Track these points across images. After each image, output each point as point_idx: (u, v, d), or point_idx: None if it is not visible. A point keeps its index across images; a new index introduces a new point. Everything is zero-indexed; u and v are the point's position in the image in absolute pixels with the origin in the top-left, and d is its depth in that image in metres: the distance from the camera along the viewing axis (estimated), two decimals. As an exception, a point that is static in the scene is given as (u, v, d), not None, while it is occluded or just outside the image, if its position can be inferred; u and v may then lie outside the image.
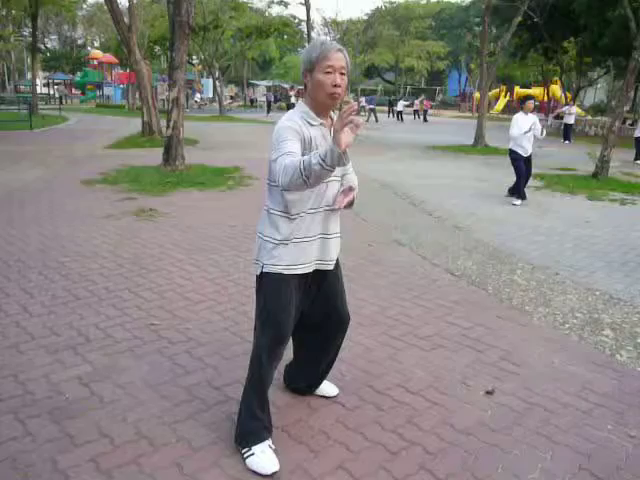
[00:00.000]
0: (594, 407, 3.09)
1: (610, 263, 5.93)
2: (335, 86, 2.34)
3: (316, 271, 2.61)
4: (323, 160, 2.02)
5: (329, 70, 2.33)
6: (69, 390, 3.05)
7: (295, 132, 2.33)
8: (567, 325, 4.24)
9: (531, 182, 10.51)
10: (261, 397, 2.60)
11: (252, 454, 2.52)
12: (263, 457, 2.50)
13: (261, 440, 2.56)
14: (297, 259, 2.49)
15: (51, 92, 43.63)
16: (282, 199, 2.43)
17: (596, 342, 3.97)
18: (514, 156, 9.08)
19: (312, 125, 2.41)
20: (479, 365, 3.53)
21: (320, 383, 3.06)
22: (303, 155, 2.28)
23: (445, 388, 3.22)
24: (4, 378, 3.14)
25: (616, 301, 4.81)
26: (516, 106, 50.52)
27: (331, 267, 2.66)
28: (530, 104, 8.91)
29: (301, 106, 2.46)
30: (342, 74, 2.36)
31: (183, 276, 4.94)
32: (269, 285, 2.51)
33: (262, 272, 2.52)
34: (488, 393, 3.20)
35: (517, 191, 9.26)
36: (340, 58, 2.35)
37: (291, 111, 2.47)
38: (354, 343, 3.73)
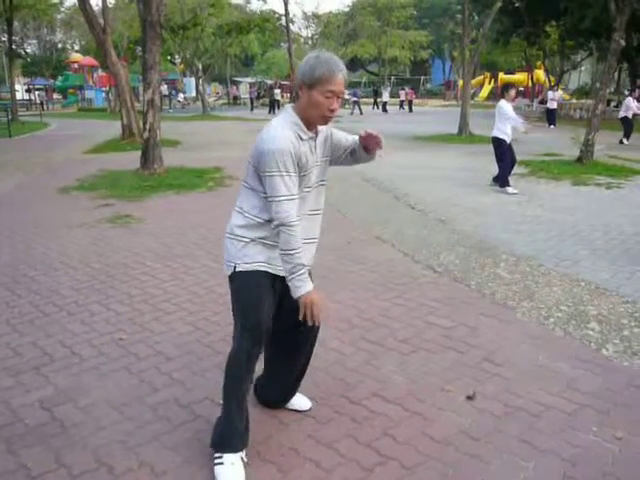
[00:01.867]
0: (579, 408, 2.97)
1: (595, 251, 5.81)
2: (331, 111, 2.28)
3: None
4: (291, 274, 2.28)
5: (329, 95, 2.26)
6: (29, 415, 2.89)
7: (293, 157, 2.26)
8: (552, 319, 4.12)
9: (516, 169, 10.42)
10: (240, 403, 2.50)
11: (221, 463, 2.43)
12: (232, 470, 2.41)
13: (233, 450, 2.46)
14: (269, 258, 2.40)
15: (32, 98, 43.15)
16: (259, 203, 2.35)
17: (581, 336, 3.85)
18: (500, 143, 9.03)
19: (302, 139, 2.33)
20: (460, 367, 3.40)
21: (293, 394, 2.92)
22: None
23: (424, 395, 3.09)
24: (-39, 406, 2.98)
25: (602, 291, 4.70)
26: (498, 93, 50.65)
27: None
28: (513, 92, 9.02)
29: (292, 115, 2.34)
30: (339, 97, 2.30)
31: (156, 285, 4.78)
32: (242, 284, 2.43)
33: (234, 272, 2.43)
34: (469, 398, 3.06)
35: (504, 179, 9.19)
36: (342, 82, 2.28)
37: (282, 119, 2.34)
38: (329, 349, 3.59)
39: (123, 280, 4.93)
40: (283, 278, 2.41)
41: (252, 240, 2.40)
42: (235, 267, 2.42)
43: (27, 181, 10.42)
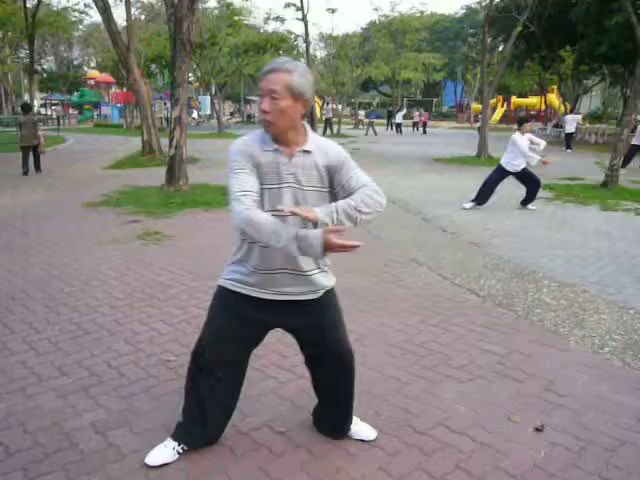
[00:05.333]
0: (655, 443, 2.84)
1: (638, 278, 5.68)
2: (262, 111, 2.19)
3: (292, 302, 2.44)
4: (298, 240, 2.07)
5: (260, 93, 2.21)
6: (83, 440, 2.79)
7: (248, 157, 2.23)
8: (607, 349, 4.00)
9: (541, 193, 10.34)
10: (188, 396, 2.63)
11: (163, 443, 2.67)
12: (158, 450, 2.63)
13: (172, 436, 2.67)
14: (242, 278, 2.41)
15: (48, 112, 43.55)
16: None
17: (640, 367, 3.72)
18: (503, 172, 9.40)
19: (265, 150, 2.25)
20: (522, 397, 3.28)
21: (343, 427, 2.80)
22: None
23: (490, 425, 2.97)
24: (11, 428, 2.88)
25: (653, 320, 4.57)
26: (512, 117, 50.68)
27: (299, 297, 2.44)
28: (528, 126, 9.38)
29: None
30: (273, 98, 2.16)
31: (197, 305, 4.68)
32: (214, 296, 2.54)
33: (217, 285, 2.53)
34: (537, 430, 2.94)
35: (531, 199, 9.55)
36: (271, 81, 2.16)
37: (254, 132, 2.32)
38: (385, 376, 3.48)
39: (162, 299, 4.84)
40: (266, 305, 2.42)
41: (236, 259, 2.43)
42: (218, 281, 2.53)
43: (51, 196, 10.40)
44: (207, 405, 2.60)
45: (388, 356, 3.76)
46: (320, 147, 2.32)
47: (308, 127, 2.35)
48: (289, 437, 2.82)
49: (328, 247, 2.04)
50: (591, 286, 5.40)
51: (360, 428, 2.82)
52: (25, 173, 13.17)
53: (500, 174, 9.46)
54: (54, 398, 3.19)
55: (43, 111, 42.66)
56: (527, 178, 9.43)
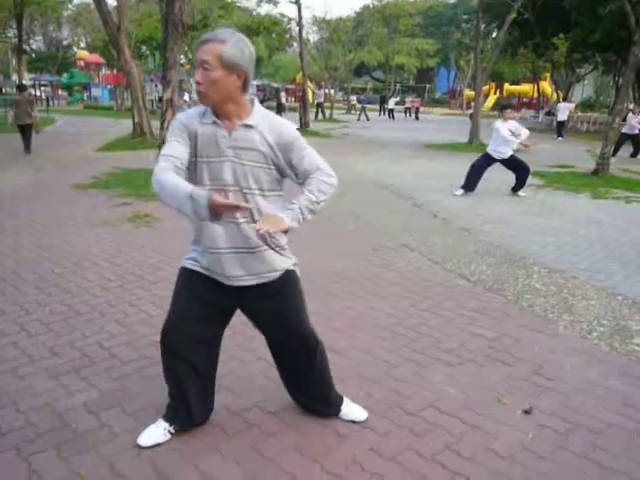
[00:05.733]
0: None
1: (626, 265, 5.74)
2: (196, 83, 2.18)
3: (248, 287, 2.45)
4: (191, 200, 2.02)
5: (196, 65, 2.18)
6: (76, 420, 2.80)
7: (183, 127, 2.27)
8: (595, 334, 4.04)
9: (532, 180, 10.40)
10: (167, 378, 2.63)
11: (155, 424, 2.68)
12: (149, 430, 2.64)
13: (163, 417, 2.68)
14: (202, 259, 2.44)
15: (37, 94, 43.02)
16: None
17: (628, 352, 3.78)
18: (484, 160, 9.53)
19: (203, 123, 2.26)
20: (511, 380, 3.32)
21: (314, 405, 2.83)
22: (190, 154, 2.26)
23: (480, 408, 3.00)
24: (4, 408, 2.88)
25: (640, 306, 4.63)
26: (503, 102, 50.62)
27: (254, 281, 2.44)
28: (507, 113, 9.48)
29: None
30: (205, 69, 2.14)
31: (188, 287, 4.68)
32: (178, 276, 2.57)
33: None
34: (526, 412, 2.98)
35: (521, 185, 9.60)
36: (203, 51, 2.15)
37: (200, 106, 2.31)
38: (376, 359, 3.51)
39: (152, 281, 4.83)
40: (225, 287, 2.43)
41: (193, 238, 2.50)
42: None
43: (41, 178, 10.31)
44: (185, 387, 2.59)
45: (379, 339, 3.78)
46: (271, 124, 2.28)
47: (256, 102, 2.33)
48: (280, 417, 2.85)
49: (213, 208, 1.99)
50: (580, 272, 5.44)
51: (351, 409, 2.85)
52: (27, 151, 13.31)
53: (486, 161, 9.53)
54: (46, 378, 3.19)
55: (32, 92, 42.05)
56: (516, 165, 9.49)
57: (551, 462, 2.58)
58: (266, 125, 2.27)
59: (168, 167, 2.17)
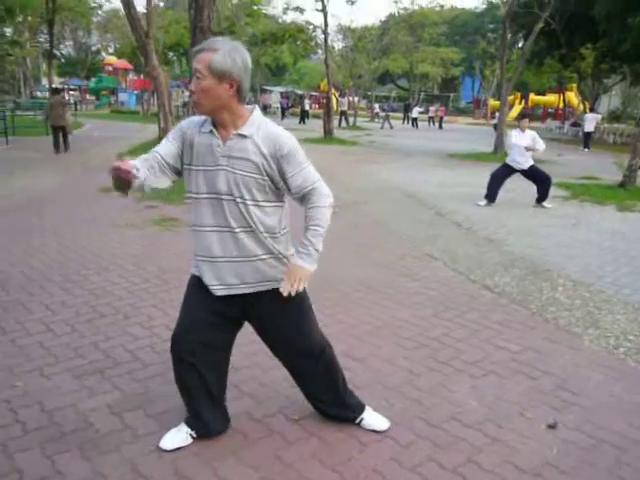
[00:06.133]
0: (668, 445, 2.83)
1: (654, 279, 5.64)
2: (191, 92, 2.21)
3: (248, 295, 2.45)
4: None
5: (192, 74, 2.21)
6: (99, 421, 2.83)
7: (181, 132, 2.34)
8: (621, 349, 3.97)
9: (557, 192, 10.30)
10: (180, 387, 2.61)
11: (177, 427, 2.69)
12: (172, 433, 2.65)
13: (185, 421, 2.67)
14: (197, 264, 2.47)
15: (66, 97, 43.76)
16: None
17: (655, 368, 3.70)
18: (502, 170, 9.43)
19: (201, 132, 2.29)
20: (535, 394, 3.28)
21: (328, 409, 2.82)
22: (175, 161, 2.34)
23: (503, 421, 2.97)
24: (29, 406, 2.93)
25: (669, 322, 4.54)
26: (530, 114, 50.21)
27: (250, 290, 2.43)
28: (524, 122, 9.26)
29: None
30: (197, 78, 2.16)
31: (211, 292, 4.71)
32: (188, 282, 2.59)
33: None
34: (550, 427, 2.94)
35: (544, 197, 9.44)
36: (197, 60, 2.16)
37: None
38: (399, 368, 3.49)
39: (176, 285, 4.86)
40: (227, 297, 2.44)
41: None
42: None
43: (68, 180, 10.47)
44: (196, 399, 2.59)
45: (401, 348, 3.77)
46: (267, 134, 2.25)
47: (256, 111, 2.31)
48: (302, 425, 2.84)
49: (111, 171, 2.10)
50: (606, 286, 5.36)
51: (373, 418, 2.83)
52: (56, 152, 14.11)
53: (505, 171, 9.43)
54: (70, 379, 3.24)
55: (65, 95, 42.85)
56: (536, 176, 9.38)
57: (574, 478, 2.54)
58: (261, 135, 2.24)
59: (147, 158, 2.29)
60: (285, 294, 2.29)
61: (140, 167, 2.20)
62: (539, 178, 9.40)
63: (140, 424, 2.81)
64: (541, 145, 8.99)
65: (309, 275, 2.31)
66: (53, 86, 16.43)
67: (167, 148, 2.33)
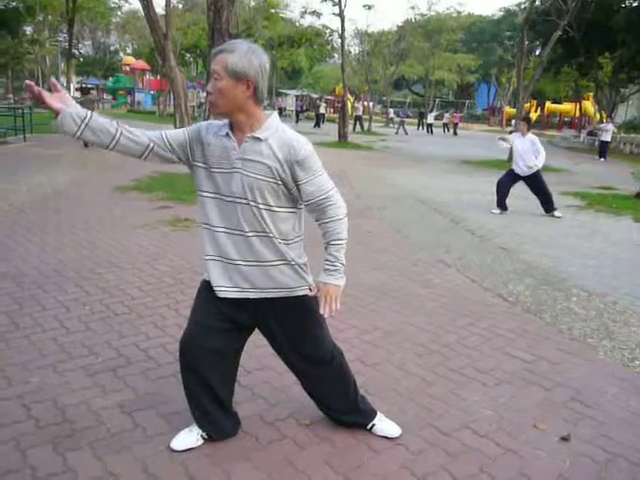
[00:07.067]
0: (684, 461, 2.78)
1: (671, 292, 5.57)
2: (208, 93, 2.20)
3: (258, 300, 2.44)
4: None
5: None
6: (110, 419, 2.83)
7: (197, 128, 2.35)
8: (637, 362, 3.92)
9: (573, 201, 10.23)
10: (187, 391, 2.59)
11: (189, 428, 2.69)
12: (183, 434, 2.65)
13: (197, 423, 2.65)
14: (208, 269, 2.44)
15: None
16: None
17: (671, 382, 3.65)
18: (507, 176, 9.43)
19: (218, 135, 2.29)
20: (549, 405, 3.24)
21: (340, 417, 2.80)
22: (180, 147, 2.34)
23: (516, 431, 2.94)
24: (42, 402, 2.94)
25: (685, 336, 4.48)
26: (546, 122, 49.95)
27: (263, 295, 2.41)
28: (523, 125, 9.29)
29: None
30: (215, 79, 2.16)
31: (224, 293, 4.71)
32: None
33: None
34: (563, 439, 2.91)
35: (551, 206, 9.34)
36: (215, 61, 2.16)
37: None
38: (411, 375, 3.47)
39: (190, 285, 4.87)
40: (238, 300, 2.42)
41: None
42: None
43: (83, 178, 10.56)
44: (203, 404, 2.58)
45: (414, 355, 3.75)
46: (282, 139, 2.23)
47: (273, 115, 2.29)
48: (313, 430, 2.83)
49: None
50: (622, 297, 5.31)
51: (384, 425, 2.81)
52: (85, 146, 15.12)
53: (510, 177, 9.40)
54: (83, 376, 3.25)
55: (79, 95, 43.27)
56: (537, 189, 9.32)
57: (589, 492, 2.51)
58: (277, 139, 2.22)
59: (150, 135, 2.35)
60: (326, 316, 2.35)
61: (87, 112, 2.28)
62: (540, 191, 9.34)
63: (151, 424, 2.81)
64: (540, 152, 8.90)
65: (341, 290, 2.34)
66: (83, 85, 16.88)
67: (176, 133, 2.36)
